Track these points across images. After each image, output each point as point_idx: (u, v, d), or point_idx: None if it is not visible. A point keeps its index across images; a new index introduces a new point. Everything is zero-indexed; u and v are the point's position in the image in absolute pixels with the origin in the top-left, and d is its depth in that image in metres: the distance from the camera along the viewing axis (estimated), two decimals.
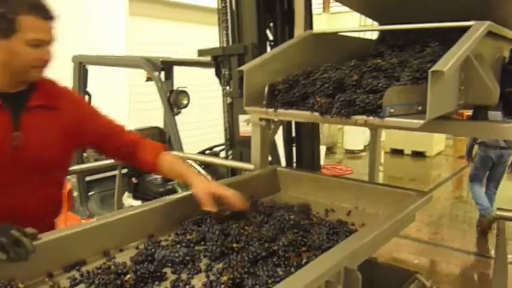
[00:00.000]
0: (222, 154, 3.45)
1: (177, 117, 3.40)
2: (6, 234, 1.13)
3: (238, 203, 1.50)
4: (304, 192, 1.89)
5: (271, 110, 1.77)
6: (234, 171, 2.76)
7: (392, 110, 1.45)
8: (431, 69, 1.31)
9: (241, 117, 2.64)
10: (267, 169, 2.01)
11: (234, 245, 1.35)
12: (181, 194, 1.70)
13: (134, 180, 3.49)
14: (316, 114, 1.63)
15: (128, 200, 3.42)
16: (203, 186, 1.51)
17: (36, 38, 1.40)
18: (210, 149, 3.80)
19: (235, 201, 1.49)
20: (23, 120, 1.47)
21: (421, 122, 1.36)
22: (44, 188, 1.56)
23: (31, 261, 1.15)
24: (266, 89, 1.77)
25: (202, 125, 6.39)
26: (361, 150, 9.71)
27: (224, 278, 1.14)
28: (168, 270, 1.27)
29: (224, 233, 1.42)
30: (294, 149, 3.04)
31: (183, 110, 3.43)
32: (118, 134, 1.68)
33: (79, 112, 1.61)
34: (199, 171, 2.32)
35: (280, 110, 1.76)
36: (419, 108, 1.46)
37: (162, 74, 3.59)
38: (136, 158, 1.68)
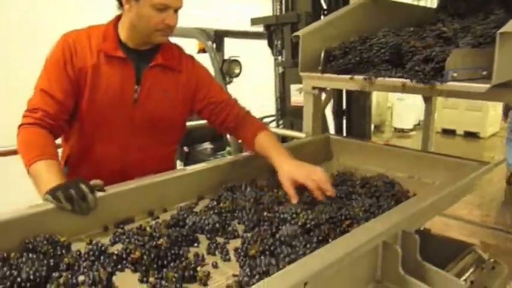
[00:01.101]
0: (272, 126, 3.45)
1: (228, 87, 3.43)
2: (76, 187, 1.20)
3: (318, 193, 1.38)
4: (357, 160, 1.87)
5: (326, 75, 1.75)
6: (284, 141, 2.76)
7: (455, 75, 1.40)
8: (500, 31, 1.26)
9: (293, 87, 2.62)
10: (319, 136, 1.99)
11: (266, 213, 1.32)
12: (227, 158, 1.73)
13: (186, 149, 3.56)
14: (371, 79, 1.60)
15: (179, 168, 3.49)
16: (287, 172, 1.42)
17: (161, 2, 1.45)
18: (260, 119, 3.80)
19: (317, 192, 1.37)
20: (145, 76, 1.55)
21: (487, 86, 1.31)
22: (156, 147, 1.62)
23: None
24: (322, 54, 1.74)
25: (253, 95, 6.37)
26: (411, 130, 9.45)
27: (252, 251, 1.11)
28: (201, 236, 1.26)
29: (258, 201, 1.40)
30: (344, 122, 3.01)
31: (235, 80, 3.45)
32: (227, 106, 1.68)
33: (197, 78, 1.66)
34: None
35: (335, 76, 1.74)
36: (484, 73, 1.40)
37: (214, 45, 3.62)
38: (238, 133, 1.70)
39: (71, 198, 1.18)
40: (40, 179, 1.29)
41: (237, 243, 1.20)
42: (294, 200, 1.36)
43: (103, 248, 1.12)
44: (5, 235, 1.09)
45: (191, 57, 1.71)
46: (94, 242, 1.14)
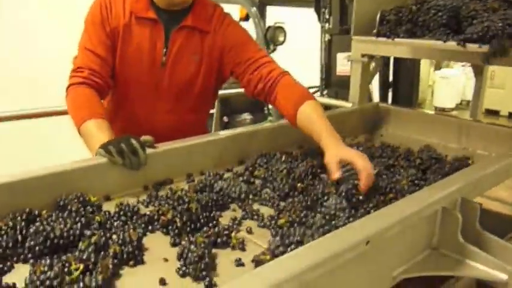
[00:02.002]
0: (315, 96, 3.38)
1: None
2: (127, 142, 1.21)
3: (364, 180, 1.18)
4: (407, 130, 1.81)
5: (381, 39, 1.68)
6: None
7: None
8: None
9: (340, 55, 2.56)
10: (368, 104, 1.94)
11: (299, 184, 1.26)
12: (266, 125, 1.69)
13: (225, 119, 3.54)
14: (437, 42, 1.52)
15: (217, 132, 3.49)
16: (333, 154, 1.25)
17: None
18: None
19: (363, 174, 1.19)
20: (173, 38, 1.51)
21: None
22: (184, 113, 1.59)
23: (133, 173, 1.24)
24: (378, 16, 1.68)
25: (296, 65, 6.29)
26: (452, 109, 9.17)
27: (281, 221, 1.07)
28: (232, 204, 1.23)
29: (292, 171, 1.33)
30: (390, 94, 2.93)
31: (279, 48, 3.38)
32: (262, 67, 1.51)
33: (226, 39, 1.56)
34: None
35: (389, 40, 1.67)
36: None
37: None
38: (276, 100, 1.49)
39: (122, 153, 1.19)
40: (91, 138, 1.31)
41: (269, 211, 1.17)
42: (335, 176, 1.21)
43: (135, 208, 1.11)
44: (37, 192, 1.10)
45: (223, 15, 1.60)
46: (126, 202, 1.13)
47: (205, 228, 1.04)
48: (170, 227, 1.04)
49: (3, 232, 0.96)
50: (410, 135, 1.75)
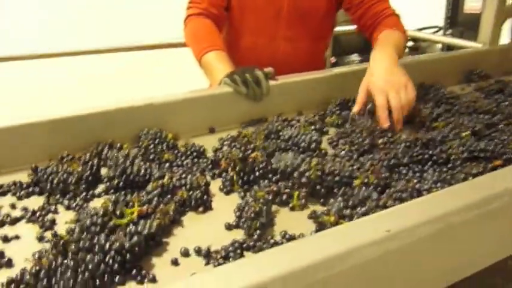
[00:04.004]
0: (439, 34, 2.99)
1: None
2: (251, 72, 1.19)
3: (382, 120, 1.08)
4: None
5: None
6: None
7: None
8: None
9: None
10: (502, 45, 1.64)
11: (380, 140, 1.03)
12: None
13: (333, 59, 3.34)
14: None
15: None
16: (368, 75, 1.15)
17: None
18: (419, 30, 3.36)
19: (396, 113, 1.07)
20: None
21: None
22: (305, 40, 1.49)
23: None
24: None
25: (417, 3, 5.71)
26: None
27: (356, 181, 0.87)
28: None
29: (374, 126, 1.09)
30: None
31: None
32: (375, 4, 1.41)
33: None
34: None
35: None
36: None
37: None
38: (371, 37, 1.41)
39: (246, 82, 1.18)
40: (212, 69, 1.30)
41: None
42: (353, 110, 1.13)
43: (201, 149, 1.03)
44: (123, 124, 1.06)
45: None
46: (197, 143, 1.04)
47: (266, 182, 0.91)
48: (224, 175, 0.94)
49: (82, 163, 0.93)
50: None
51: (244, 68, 1.23)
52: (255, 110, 1.22)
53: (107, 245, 0.66)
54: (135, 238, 0.68)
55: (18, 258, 0.70)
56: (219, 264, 0.69)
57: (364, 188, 0.83)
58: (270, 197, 0.84)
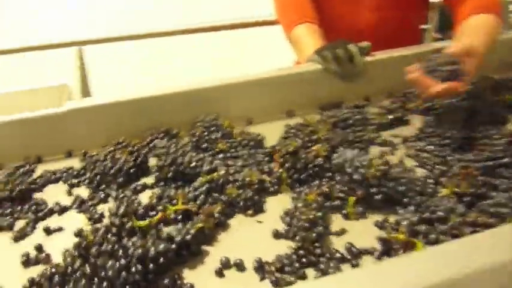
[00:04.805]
0: None
1: None
2: (343, 47, 1.07)
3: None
4: None
5: None
6: None
7: None
8: None
9: None
10: None
11: (480, 134, 0.81)
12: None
13: (437, 35, 3.03)
14: None
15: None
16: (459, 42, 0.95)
17: None
18: None
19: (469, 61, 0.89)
20: None
21: None
22: (394, 10, 1.32)
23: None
24: None
25: None
26: None
27: (445, 191, 0.70)
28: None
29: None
30: None
31: None
32: None
33: None
34: None
35: None
36: None
37: None
38: (455, 13, 1.19)
39: (338, 59, 1.06)
40: (301, 43, 1.19)
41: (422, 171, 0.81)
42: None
43: (260, 138, 0.91)
44: (181, 108, 0.99)
45: None
46: (257, 132, 0.93)
47: (317, 182, 0.78)
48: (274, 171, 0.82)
49: (133, 151, 0.88)
50: None
51: (336, 42, 1.10)
52: (334, 92, 1.09)
53: (130, 251, 0.59)
54: (162, 246, 0.60)
55: (57, 254, 0.66)
56: (276, 279, 0.60)
57: (446, 197, 0.67)
58: (322, 200, 0.71)
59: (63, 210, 0.79)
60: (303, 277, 0.61)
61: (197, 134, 0.92)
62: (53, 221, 0.77)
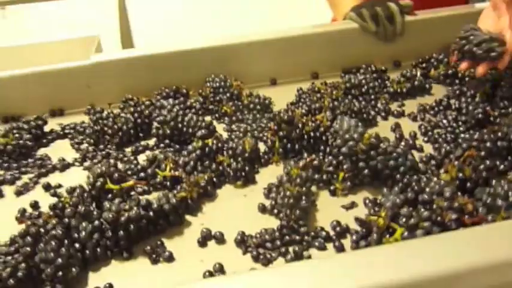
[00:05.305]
0: None
1: None
2: (383, 5, 1.01)
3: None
4: None
5: None
6: None
7: None
8: None
9: None
10: None
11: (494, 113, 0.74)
12: None
13: None
14: None
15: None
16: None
17: None
18: None
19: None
20: None
21: None
22: None
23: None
24: None
25: None
26: None
27: (444, 176, 0.63)
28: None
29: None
30: None
31: None
32: None
33: None
34: None
35: None
36: None
37: None
38: None
39: (376, 17, 1.00)
40: (338, 1, 1.13)
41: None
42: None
43: (267, 101, 0.86)
44: (192, 66, 0.96)
45: None
46: (267, 95, 0.88)
47: (305, 154, 0.74)
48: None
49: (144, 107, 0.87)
50: None
51: (375, 1, 1.03)
52: (362, 54, 1.01)
53: (104, 215, 0.59)
54: (133, 212, 0.59)
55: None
56: (258, 254, 0.59)
57: (435, 179, 0.61)
58: (309, 174, 0.66)
59: (65, 167, 0.81)
60: (285, 253, 0.60)
61: (203, 94, 0.89)
62: (56, 177, 0.79)
